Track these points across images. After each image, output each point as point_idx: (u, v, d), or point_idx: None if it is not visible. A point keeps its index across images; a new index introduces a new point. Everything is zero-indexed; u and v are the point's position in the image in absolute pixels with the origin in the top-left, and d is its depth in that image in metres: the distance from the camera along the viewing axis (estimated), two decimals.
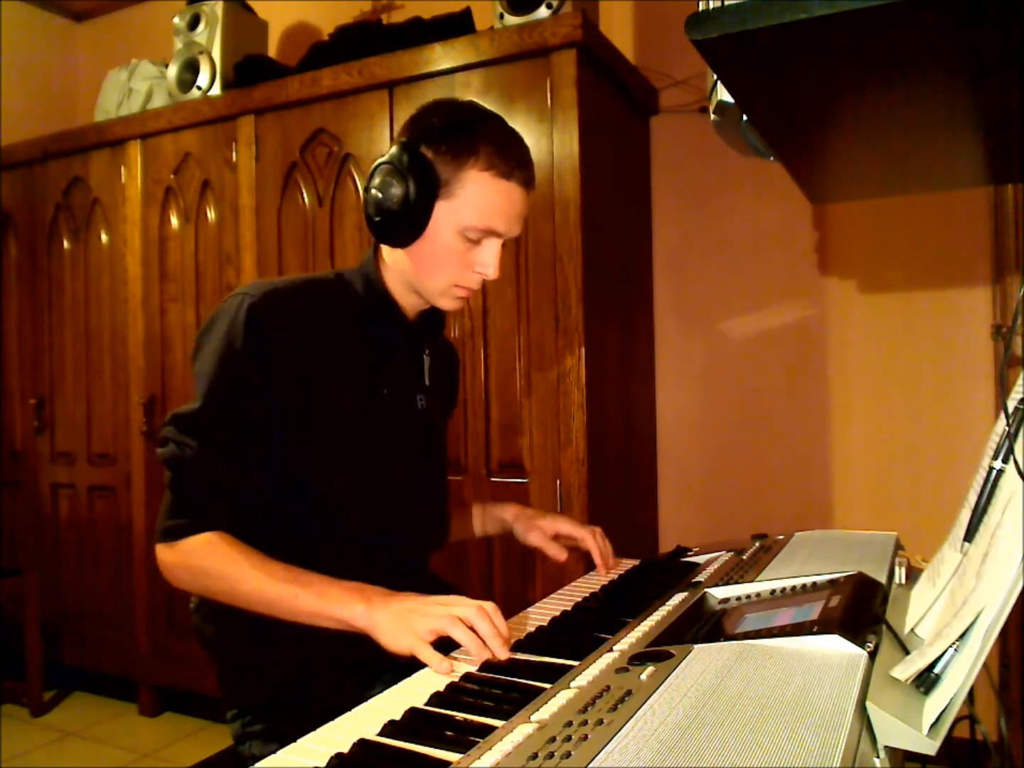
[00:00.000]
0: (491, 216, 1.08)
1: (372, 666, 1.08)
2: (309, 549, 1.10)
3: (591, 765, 0.56)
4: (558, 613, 1.06)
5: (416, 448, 1.24)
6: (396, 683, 0.85)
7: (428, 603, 0.93)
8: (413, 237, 1.09)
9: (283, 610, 1.00)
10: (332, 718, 0.77)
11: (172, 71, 2.71)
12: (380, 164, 1.09)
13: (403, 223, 1.08)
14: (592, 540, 1.32)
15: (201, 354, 1.09)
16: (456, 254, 1.10)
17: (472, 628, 0.89)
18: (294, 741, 0.72)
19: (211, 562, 1.02)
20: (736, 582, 1.05)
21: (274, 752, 0.70)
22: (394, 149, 1.08)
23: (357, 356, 1.15)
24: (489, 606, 0.91)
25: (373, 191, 1.09)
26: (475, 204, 1.07)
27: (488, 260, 1.10)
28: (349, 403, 1.13)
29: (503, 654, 0.88)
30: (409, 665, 0.90)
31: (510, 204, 1.08)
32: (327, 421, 1.11)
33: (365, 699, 0.81)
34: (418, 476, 1.24)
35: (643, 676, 0.73)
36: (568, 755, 0.58)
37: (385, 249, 1.17)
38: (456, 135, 1.07)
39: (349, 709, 0.79)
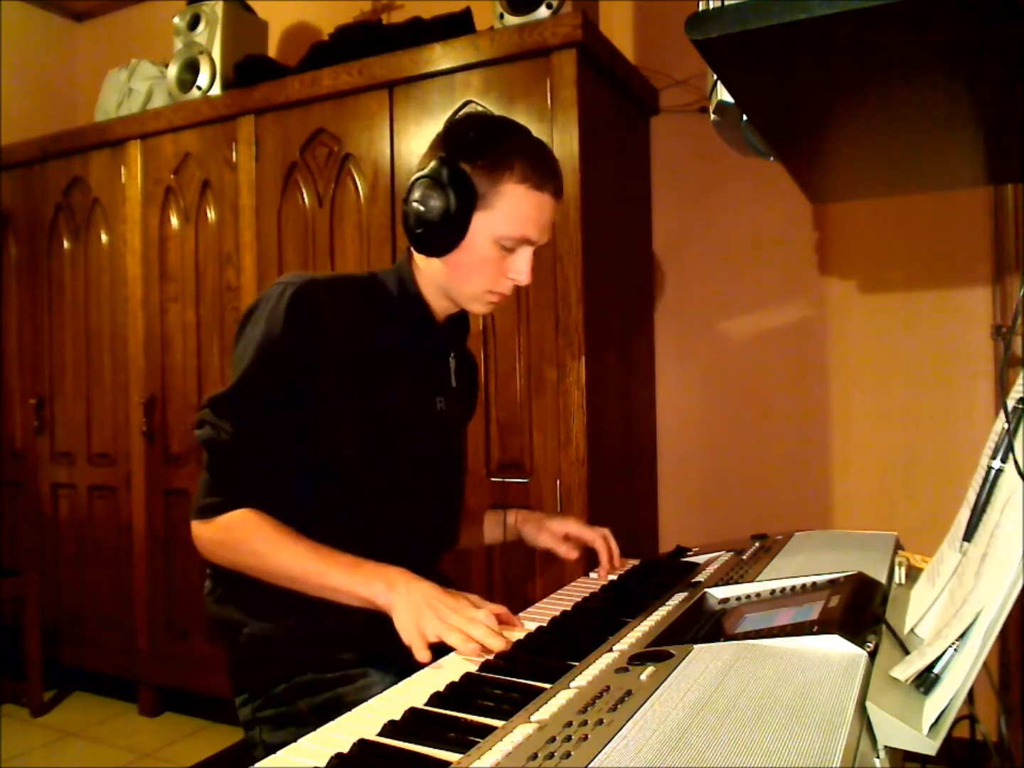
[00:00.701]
0: (525, 226, 1.13)
1: (380, 656, 1.09)
2: (324, 536, 1.11)
3: (591, 765, 0.56)
4: (558, 613, 1.06)
5: (432, 448, 1.27)
6: (404, 674, 0.86)
7: (446, 605, 0.97)
8: (452, 247, 1.14)
9: (310, 585, 1.05)
10: (342, 702, 0.77)
11: (172, 71, 2.71)
12: (420, 178, 1.13)
13: (443, 234, 1.12)
14: (602, 543, 1.35)
15: (242, 338, 1.13)
16: (491, 262, 1.15)
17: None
18: (303, 726, 0.72)
19: (244, 536, 1.07)
20: (736, 582, 1.05)
21: (283, 738, 0.70)
22: (433, 163, 1.12)
23: (385, 353, 1.19)
24: (492, 620, 0.95)
25: (414, 204, 1.13)
26: (511, 215, 1.12)
27: (522, 267, 1.16)
28: (373, 397, 1.16)
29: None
30: (410, 665, 0.91)
31: (542, 214, 1.14)
32: (351, 412, 1.14)
33: (365, 699, 0.82)
34: (433, 475, 1.27)
35: (643, 676, 0.73)
36: (568, 755, 0.58)
37: (418, 255, 1.21)
38: (491, 149, 1.12)
39: (356, 697, 0.79)
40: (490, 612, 0.96)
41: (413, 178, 1.14)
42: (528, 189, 1.12)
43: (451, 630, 0.93)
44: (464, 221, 1.12)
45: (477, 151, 1.12)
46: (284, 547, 1.05)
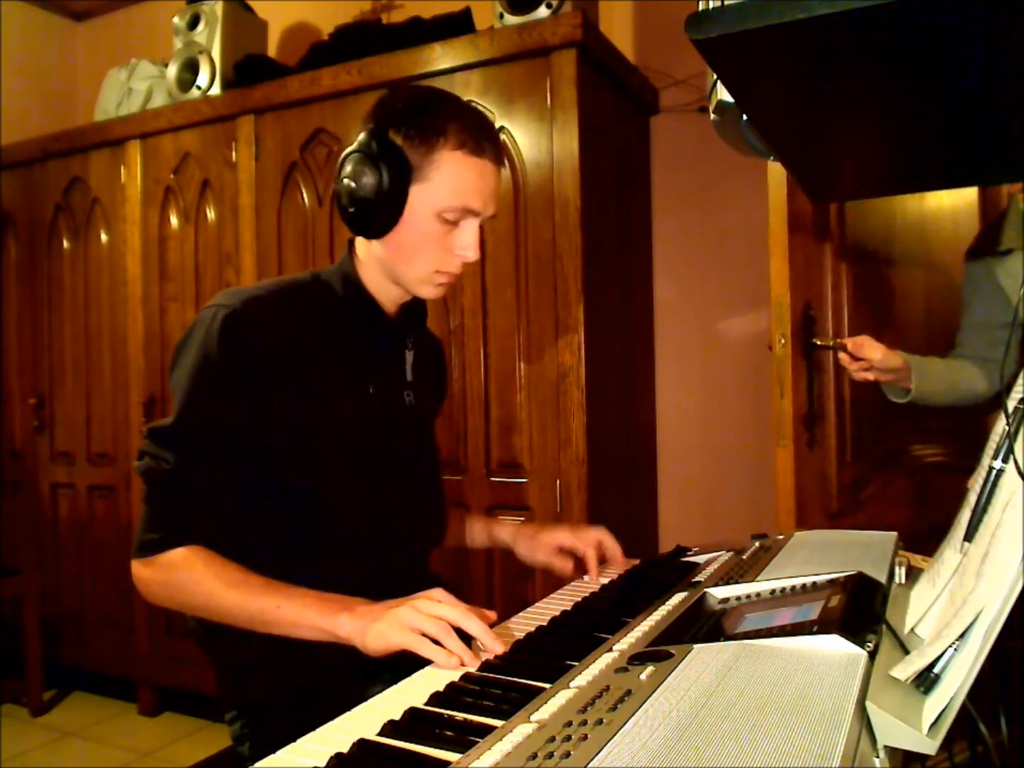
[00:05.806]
0: (467, 195, 1.07)
1: (370, 665, 1.08)
2: (304, 554, 1.09)
3: (591, 765, 0.56)
4: (558, 613, 1.06)
5: (407, 443, 1.23)
6: (396, 683, 0.86)
7: (409, 600, 0.93)
8: (390, 225, 1.08)
9: (264, 622, 0.99)
10: (331, 718, 0.77)
11: (172, 71, 2.71)
12: (349, 153, 1.08)
13: (379, 212, 1.07)
14: (591, 552, 1.30)
15: (177, 368, 1.08)
16: (435, 238, 1.09)
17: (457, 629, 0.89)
18: (294, 741, 0.72)
19: (188, 576, 1.01)
20: (736, 582, 1.05)
21: (273, 752, 0.70)
22: (362, 136, 1.07)
23: (340, 357, 1.15)
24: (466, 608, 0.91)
25: (345, 181, 1.07)
26: (450, 184, 1.06)
27: (468, 241, 1.10)
28: (336, 405, 1.13)
29: (497, 647, 0.88)
30: (409, 665, 0.90)
31: (484, 181, 1.08)
32: (315, 424, 1.10)
33: (365, 699, 0.81)
34: (411, 471, 1.24)
35: (643, 676, 0.73)
36: (568, 755, 0.58)
37: (359, 244, 1.17)
38: (422, 117, 1.07)
39: (349, 709, 0.79)
40: (473, 610, 0.92)
41: (343, 154, 1.09)
42: (465, 155, 1.06)
43: (428, 621, 0.88)
44: (399, 195, 1.05)
45: (407, 120, 1.06)
46: (235, 584, 0.99)
